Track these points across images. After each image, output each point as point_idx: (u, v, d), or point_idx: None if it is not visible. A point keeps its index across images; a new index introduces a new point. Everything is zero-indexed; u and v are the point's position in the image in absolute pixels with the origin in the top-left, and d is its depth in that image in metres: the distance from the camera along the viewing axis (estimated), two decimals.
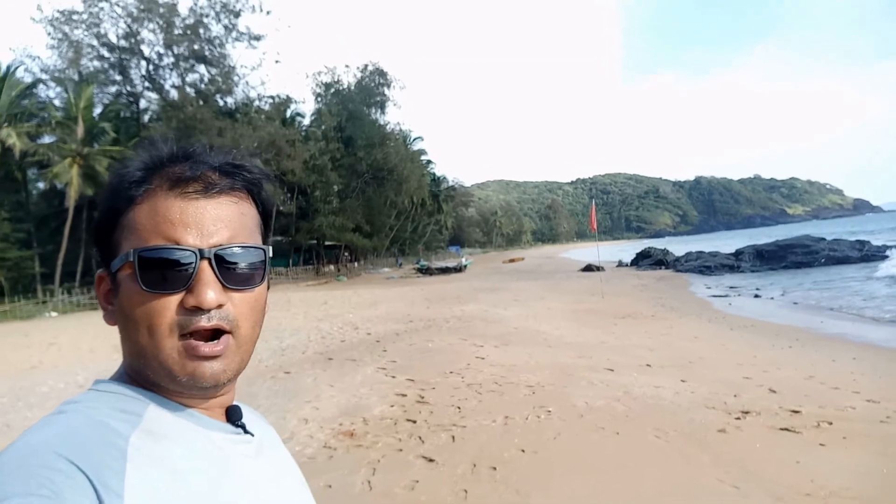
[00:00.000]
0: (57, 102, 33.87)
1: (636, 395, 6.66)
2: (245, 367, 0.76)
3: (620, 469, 4.59)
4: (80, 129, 30.99)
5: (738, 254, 33.43)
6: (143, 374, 0.73)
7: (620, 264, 41.80)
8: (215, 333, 0.71)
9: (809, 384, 6.92)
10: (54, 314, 26.86)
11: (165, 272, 0.69)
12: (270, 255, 0.79)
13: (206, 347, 0.70)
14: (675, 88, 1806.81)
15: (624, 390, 6.90)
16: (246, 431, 0.80)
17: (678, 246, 56.06)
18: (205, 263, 0.70)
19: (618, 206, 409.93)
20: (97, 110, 35.19)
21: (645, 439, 5.23)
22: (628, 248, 68.65)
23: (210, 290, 0.69)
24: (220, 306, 0.71)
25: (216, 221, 0.72)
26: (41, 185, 34.49)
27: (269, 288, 0.81)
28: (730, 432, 5.29)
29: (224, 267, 0.71)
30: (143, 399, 0.72)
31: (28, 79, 32.37)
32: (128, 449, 0.63)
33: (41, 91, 33.87)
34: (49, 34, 32.71)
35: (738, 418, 5.66)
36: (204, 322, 0.69)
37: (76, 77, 33.79)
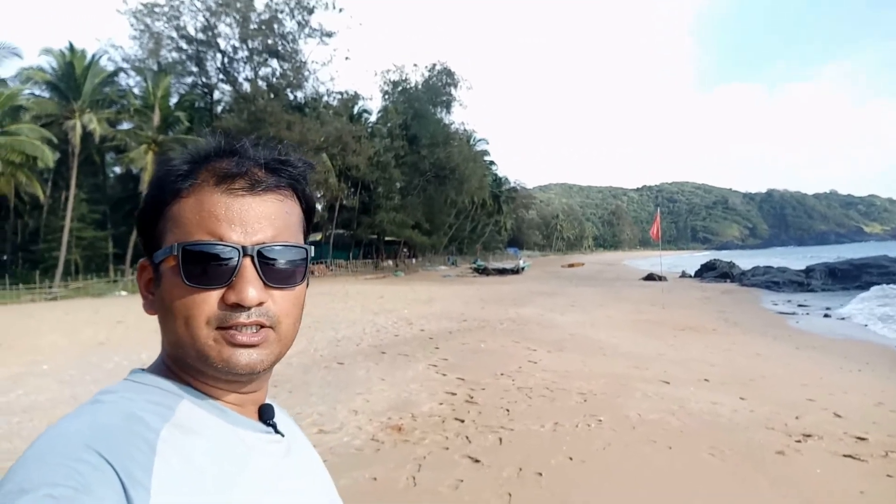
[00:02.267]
0: (136, 91, 35.41)
1: (692, 411, 6.46)
2: (280, 360, 0.76)
3: (671, 485, 4.45)
4: (156, 117, 32.31)
5: (808, 271, 32.06)
6: (181, 362, 0.74)
7: (684, 275, 40.75)
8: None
9: (878, 411, 6.56)
10: (124, 293, 28.04)
11: (208, 267, 0.69)
12: (312, 254, 0.79)
13: (244, 336, 0.70)
14: (749, 99, 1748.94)
15: (679, 404, 6.71)
16: (277, 431, 0.80)
17: (745, 259, 54.20)
18: (247, 261, 0.70)
19: (684, 216, 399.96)
20: (173, 100, 36.62)
21: (699, 456, 5.06)
22: (693, 259, 66.86)
23: (251, 287, 0.69)
24: (260, 304, 0.71)
25: (260, 219, 0.72)
26: (118, 169, 36.16)
27: (308, 285, 0.81)
28: (789, 455, 5.06)
29: (266, 265, 0.71)
30: (177, 393, 0.72)
31: (110, 67, 33.95)
32: (157, 443, 0.63)
33: (122, 79, 35.48)
34: (132, 25, 34.23)
35: (799, 441, 5.41)
36: (243, 319, 0.70)
37: (155, 67, 35.22)
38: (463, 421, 6.12)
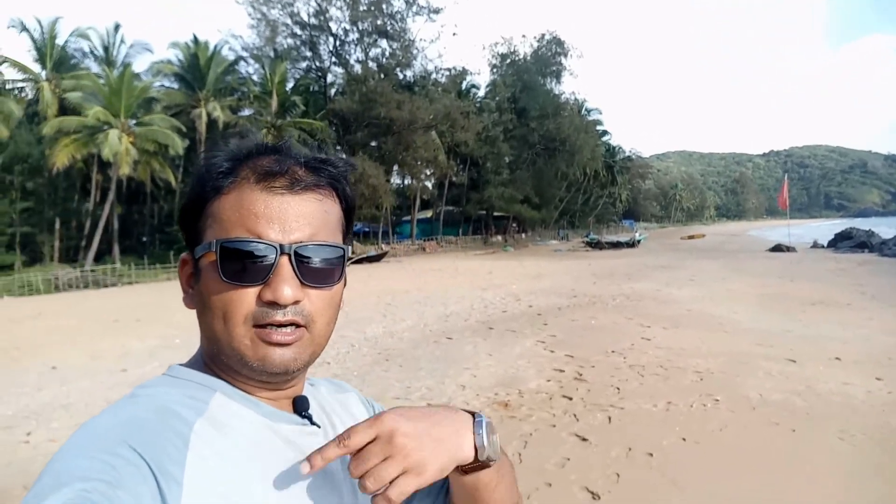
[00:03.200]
0: (255, 78, 37.28)
1: (820, 391, 6.03)
2: (315, 359, 0.76)
3: (793, 471, 4.18)
4: (274, 103, 33.86)
5: None
6: (217, 358, 0.75)
7: (815, 245, 37.90)
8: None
9: None
10: None
11: (246, 264, 0.70)
12: (350, 254, 0.79)
13: (279, 335, 0.70)
14: (890, 51, 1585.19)
15: (806, 384, 6.28)
16: (312, 422, 0.79)
17: (887, 227, 49.68)
18: (284, 259, 0.70)
19: (816, 182, 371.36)
20: (289, 85, 38.24)
21: (826, 441, 4.72)
22: (826, 228, 62.13)
23: (287, 286, 0.69)
24: (296, 302, 0.71)
25: (299, 218, 0.72)
26: None
27: (345, 285, 0.80)
28: None
29: (303, 263, 0.71)
30: (211, 387, 0.74)
31: (231, 57, 35.91)
32: (191, 437, 0.64)
33: (241, 68, 37.43)
34: (249, 14, 35.91)
35: None
36: (279, 317, 0.70)
37: (272, 54, 36.84)
38: (571, 398, 6.05)
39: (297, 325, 0.72)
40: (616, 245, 45.47)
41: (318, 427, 0.80)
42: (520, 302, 13.81)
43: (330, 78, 41.46)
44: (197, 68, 32.64)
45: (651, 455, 4.52)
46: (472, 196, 49.58)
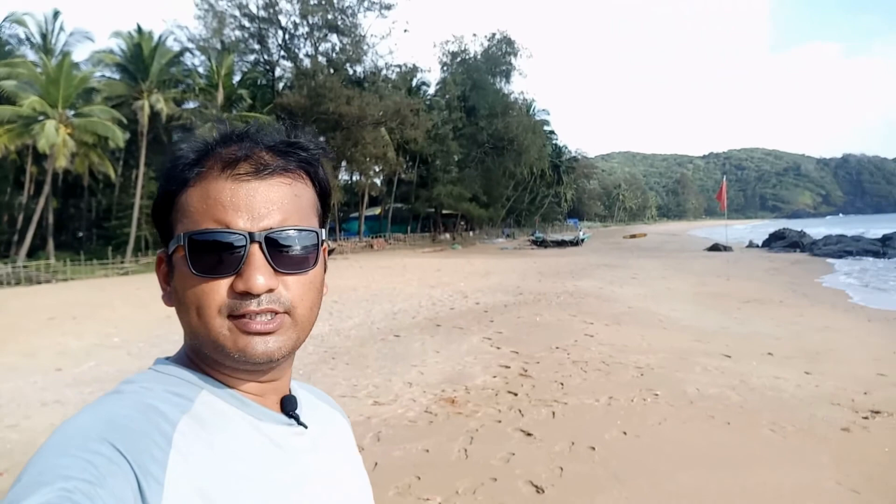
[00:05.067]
0: (201, 70, 36.22)
1: (753, 386, 6.29)
2: (300, 345, 0.75)
3: (728, 463, 4.35)
4: (220, 96, 33.07)
5: (885, 239, 30.57)
6: (200, 353, 0.73)
7: (751, 245, 39.39)
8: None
9: None
10: None
11: (215, 256, 0.68)
12: (325, 237, 0.76)
13: (258, 324, 0.68)
14: (826, 59, 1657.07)
15: (740, 379, 6.54)
16: (299, 423, 0.78)
17: (817, 228, 52.00)
18: (255, 247, 0.68)
19: (752, 183, 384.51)
20: (236, 78, 37.37)
21: (759, 433, 4.93)
22: (761, 228, 64.55)
23: (259, 274, 0.68)
24: (270, 291, 0.69)
25: (267, 204, 0.70)
26: None
27: (326, 269, 0.79)
28: (855, 432, 4.88)
29: (276, 250, 0.70)
30: (197, 383, 0.72)
31: (176, 48, 34.77)
32: (174, 435, 0.63)
33: (187, 59, 36.30)
34: (196, 5, 34.96)
35: (867, 418, 5.21)
36: (253, 306, 0.68)
37: (219, 46, 35.87)
38: (516, 394, 6.14)
39: (276, 313, 0.70)
40: (561, 244, 46.25)
41: (306, 428, 0.78)
42: (467, 299, 13.90)
43: (278, 72, 40.76)
44: (140, 59, 31.51)
45: (593, 449, 4.63)
46: (420, 193, 49.54)
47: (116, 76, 32.78)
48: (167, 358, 0.78)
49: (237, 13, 36.52)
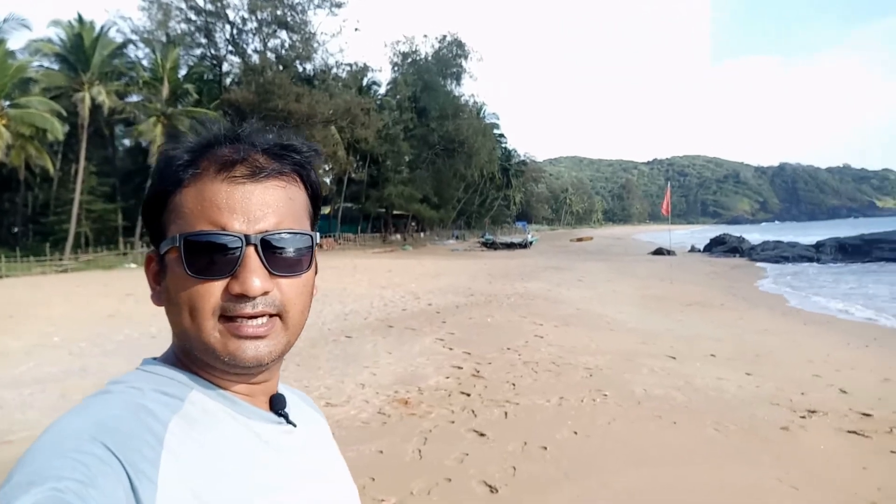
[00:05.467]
0: (145, 63, 35.09)
1: (697, 386, 6.49)
2: (290, 349, 0.75)
3: (675, 461, 4.48)
4: (165, 90, 32.13)
5: (818, 245, 31.94)
6: (189, 354, 0.73)
7: (693, 250, 40.61)
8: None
9: (885, 387, 6.56)
10: (133, 266, 28.22)
11: (211, 257, 0.68)
12: (318, 240, 0.77)
13: (250, 328, 0.69)
14: (764, 70, 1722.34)
15: (685, 380, 6.73)
16: (289, 421, 0.79)
17: (755, 234, 53.94)
18: (251, 250, 0.68)
19: (694, 190, 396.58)
20: (182, 72, 36.38)
21: (703, 432, 5.09)
22: (702, 234, 66.55)
23: (255, 277, 0.68)
24: (265, 293, 0.69)
25: (263, 206, 0.70)
26: (127, 141, 36.12)
27: (316, 272, 0.79)
28: (793, 431, 5.08)
29: (270, 253, 0.70)
30: (186, 383, 0.72)
31: (119, 39, 33.64)
32: (165, 435, 0.63)
33: (130, 51, 35.15)
34: None
35: (804, 417, 5.43)
36: (248, 309, 0.68)
37: (164, 39, 34.90)
38: (469, 395, 6.18)
39: (269, 316, 0.70)
40: (510, 246, 46.79)
41: (295, 426, 0.79)
42: (419, 300, 13.91)
43: (226, 67, 39.96)
44: (81, 49, 30.31)
45: (545, 448, 4.70)
46: (371, 194, 49.30)
47: (55, 66, 31.49)
48: (155, 358, 0.77)
49: (183, 6, 35.65)
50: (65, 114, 28.29)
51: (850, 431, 5.07)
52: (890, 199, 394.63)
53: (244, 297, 0.68)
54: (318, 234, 0.78)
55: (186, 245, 0.68)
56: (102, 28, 31.80)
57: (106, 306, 13.02)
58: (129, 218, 32.75)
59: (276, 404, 0.79)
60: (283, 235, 0.71)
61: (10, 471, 0.56)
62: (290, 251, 0.72)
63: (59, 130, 27.34)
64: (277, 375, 0.82)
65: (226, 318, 0.69)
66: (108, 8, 34.97)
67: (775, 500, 3.85)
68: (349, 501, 0.83)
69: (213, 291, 0.68)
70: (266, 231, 0.70)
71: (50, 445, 0.58)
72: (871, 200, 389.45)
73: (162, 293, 0.74)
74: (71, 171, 30.98)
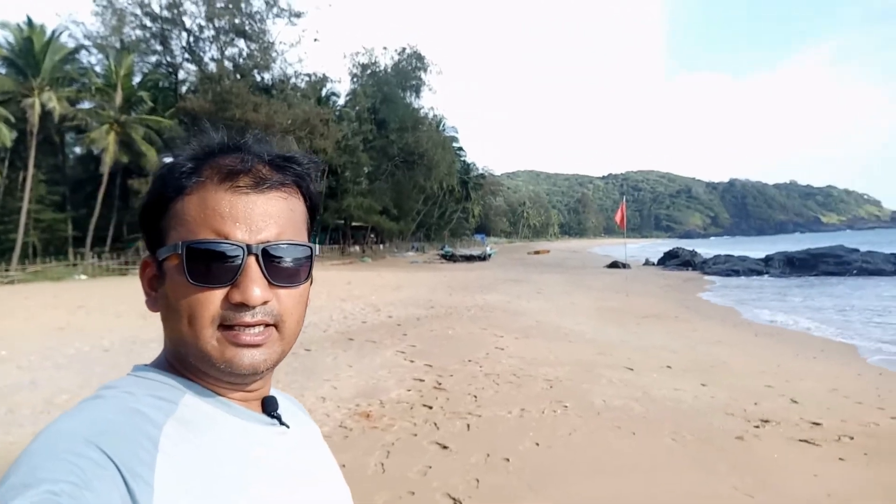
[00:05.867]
0: (98, 69, 34.26)
1: (655, 397, 6.61)
2: (284, 358, 0.76)
3: (634, 470, 4.56)
4: (118, 97, 31.40)
5: (767, 259, 32.95)
6: (184, 361, 0.73)
7: (647, 263, 41.43)
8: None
9: (832, 397, 6.80)
10: (83, 277, 27.41)
11: (212, 266, 0.69)
12: (317, 252, 0.79)
13: (248, 336, 0.69)
14: (716, 88, 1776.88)
15: (643, 391, 6.85)
16: (282, 423, 0.79)
17: (707, 248, 55.36)
18: (252, 259, 0.69)
19: (648, 204, 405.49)
20: (136, 79, 35.62)
21: (661, 442, 5.19)
22: (656, 247, 68.00)
23: (256, 286, 0.69)
24: (264, 303, 0.70)
25: (265, 217, 0.71)
26: (78, 149, 35.04)
27: (312, 283, 0.81)
28: (748, 440, 5.22)
29: (270, 263, 0.71)
30: (179, 387, 0.72)
31: (71, 44, 32.71)
32: (160, 438, 0.63)
33: (83, 57, 34.22)
34: (94, 1, 33.12)
35: (758, 427, 5.59)
36: (248, 318, 0.69)
37: (118, 45, 34.10)
38: (431, 407, 6.17)
39: (266, 325, 0.71)
40: (469, 258, 47.00)
41: (287, 428, 0.80)
42: (379, 312, 13.84)
43: (182, 75, 39.25)
44: (31, 54, 29.34)
45: (508, 460, 4.73)
46: (330, 205, 48.89)
47: (2, 70, 30.50)
48: (146, 364, 0.77)
49: (138, 11, 34.88)
50: (13, 119, 27.39)
51: (801, 440, 5.24)
52: (834, 215, 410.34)
53: (244, 306, 0.69)
54: (315, 245, 0.79)
55: (189, 252, 0.69)
56: (54, 32, 30.92)
57: (56, 318, 12.61)
58: (80, 228, 31.78)
59: (269, 406, 0.80)
60: (283, 246, 0.72)
61: (5, 473, 0.56)
62: (289, 262, 0.73)
63: (6, 137, 26.46)
64: (270, 382, 0.83)
65: (224, 326, 0.69)
66: (59, 12, 33.95)
67: None
68: (342, 501, 0.84)
69: (212, 299, 0.69)
70: (267, 241, 0.71)
71: (44, 448, 0.58)
72: (817, 216, 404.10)
73: (159, 299, 0.74)
74: (19, 178, 29.94)
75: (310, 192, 0.80)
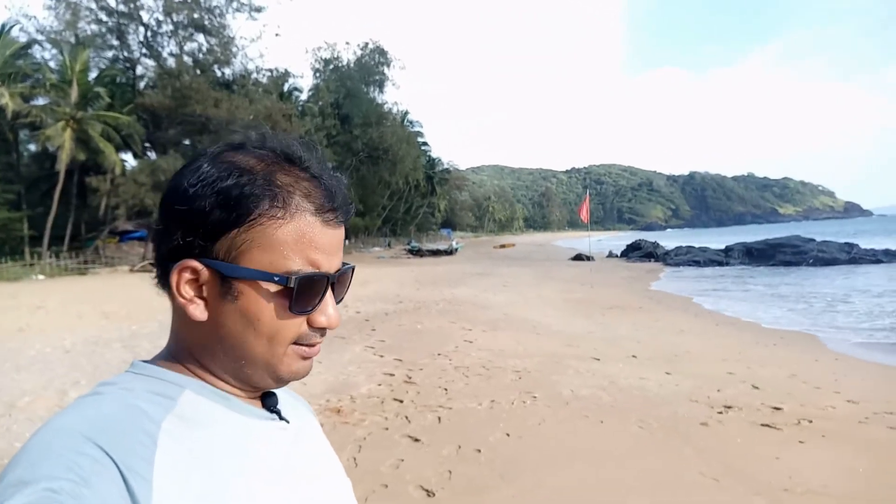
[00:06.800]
0: (52, 64, 33.16)
1: (622, 386, 6.74)
2: None
3: (603, 458, 4.65)
4: (74, 93, 30.52)
5: (727, 250, 33.68)
6: (202, 359, 0.74)
7: (610, 255, 41.96)
8: None
9: (792, 382, 7.01)
10: (41, 277, 26.68)
11: (310, 295, 0.73)
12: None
13: (314, 351, 0.76)
14: (676, 83, 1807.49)
15: (610, 380, 6.97)
16: (281, 418, 0.80)
17: (669, 240, 56.36)
18: (329, 287, 0.75)
19: (611, 197, 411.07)
20: (92, 74, 34.63)
21: (629, 430, 5.30)
22: (619, 240, 68.93)
23: (334, 311, 0.76)
24: None
25: (339, 247, 0.77)
26: (33, 147, 33.96)
27: None
28: (712, 426, 5.37)
29: (336, 287, 0.77)
30: (179, 383, 0.72)
31: (23, 39, 31.71)
32: (159, 434, 0.63)
33: (36, 52, 33.18)
34: None
35: (721, 413, 5.74)
36: (319, 337, 0.76)
37: (72, 40, 33.11)
38: (402, 401, 6.19)
39: None
40: (436, 253, 47.05)
41: (288, 422, 0.80)
42: (347, 308, 13.78)
43: (140, 70, 38.25)
44: None
45: (479, 451, 4.78)
46: None
47: None
48: (145, 360, 0.77)
49: (93, 6, 33.84)
50: None
51: (763, 425, 5.40)
52: (790, 206, 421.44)
53: (323, 329, 0.76)
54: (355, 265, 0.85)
55: (298, 284, 0.71)
56: (4, 26, 29.98)
57: (15, 320, 12.22)
58: (37, 227, 30.86)
59: (268, 401, 0.80)
60: (345, 272, 0.79)
61: (3, 471, 0.56)
62: (346, 283, 0.81)
63: None
64: None
65: (298, 343, 0.74)
66: (9, 5, 32.83)
67: (698, 492, 4.06)
68: (343, 496, 0.85)
69: (300, 323, 0.74)
70: (338, 269, 0.76)
71: (43, 445, 0.58)
72: (774, 207, 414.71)
73: (216, 310, 0.72)
74: None
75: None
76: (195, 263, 0.70)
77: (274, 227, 0.70)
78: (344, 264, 0.79)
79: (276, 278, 0.70)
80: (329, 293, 0.75)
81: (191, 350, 0.75)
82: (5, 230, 30.35)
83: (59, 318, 12.55)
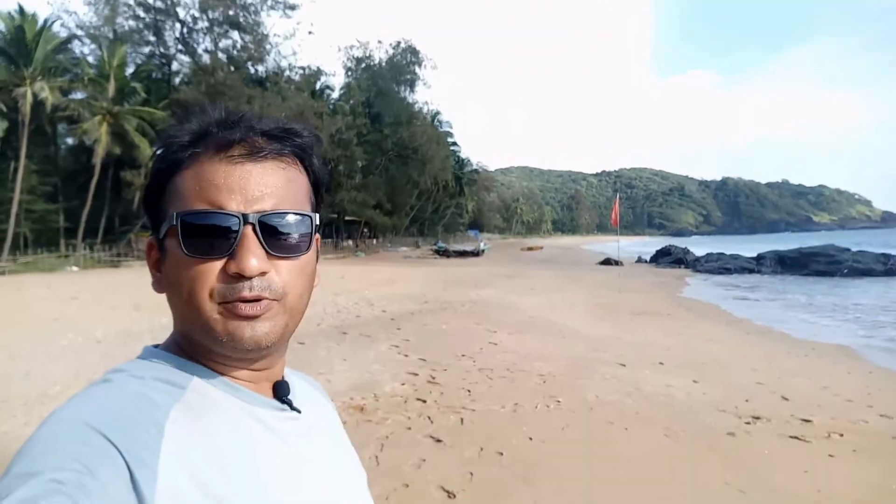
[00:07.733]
0: (90, 59, 34.00)
1: (647, 393, 6.64)
2: (290, 333, 0.75)
3: (627, 465, 4.59)
4: (111, 88, 31.19)
5: (759, 258, 33.05)
6: (191, 340, 0.72)
7: (639, 260, 41.47)
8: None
9: (823, 394, 6.85)
10: (76, 269, 27.28)
11: (208, 237, 0.67)
12: (318, 221, 0.77)
13: (247, 308, 0.67)
14: (708, 86, 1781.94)
15: (635, 387, 6.88)
16: (293, 408, 0.79)
17: (699, 246, 55.48)
18: (248, 229, 0.68)
19: (641, 202, 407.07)
20: (129, 70, 35.41)
21: (654, 438, 5.22)
22: (648, 245, 68.20)
23: (253, 256, 0.67)
24: (262, 274, 0.68)
25: (261, 187, 0.70)
26: (70, 140, 34.80)
27: (318, 258, 0.79)
28: (739, 437, 5.26)
29: (269, 234, 0.69)
30: (187, 371, 0.71)
31: (63, 34, 32.49)
32: (165, 424, 0.63)
33: (76, 47, 34.00)
34: None
35: (749, 423, 5.63)
36: (246, 292, 0.67)
37: (111, 35, 33.86)
38: (425, 401, 6.19)
39: (267, 300, 0.69)
40: (463, 254, 47.02)
41: (299, 413, 0.79)
42: (373, 307, 13.85)
43: (175, 66, 39.03)
44: (22, 43, 29.06)
45: (501, 454, 4.75)
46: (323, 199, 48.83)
47: None
48: (155, 346, 0.77)
49: (131, 2, 34.66)
50: (4, 109, 27.20)
51: (791, 437, 5.28)
52: (825, 215, 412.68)
53: (241, 278, 0.67)
54: (317, 216, 0.77)
55: (183, 225, 0.68)
56: (46, 21, 30.70)
57: (49, 310, 12.53)
58: (72, 219, 31.58)
59: (280, 391, 0.79)
60: (281, 216, 0.71)
61: (10, 462, 0.56)
62: (288, 232, 0.71)
63: None
64: (282, 363, 0.82)
65: (225, 302, 0.68)
66: (51, 1, 33.62)
67: (723, 502, 3.98)
68: (356, 487, 0.84)
69: (210, 272, 0.68)
70: (264, 211, 0.69)
71: (49, 436, 0.58)
72: (808, 215, 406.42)
73: (163, 279, 0.73)
74: (10, 169, 29.68)
75: (312, 165, 0.79)
76: (152, 239, 0.75)
77: (179, 177, 0.71)
78: (295, 212, 0.72)
79: (167, 222, 0.70)
80: (250, 236, 0.68)
81: (177, 329, 0.75)
82: (42, 221, 31.10)
83: (93, 309, 12.81)
